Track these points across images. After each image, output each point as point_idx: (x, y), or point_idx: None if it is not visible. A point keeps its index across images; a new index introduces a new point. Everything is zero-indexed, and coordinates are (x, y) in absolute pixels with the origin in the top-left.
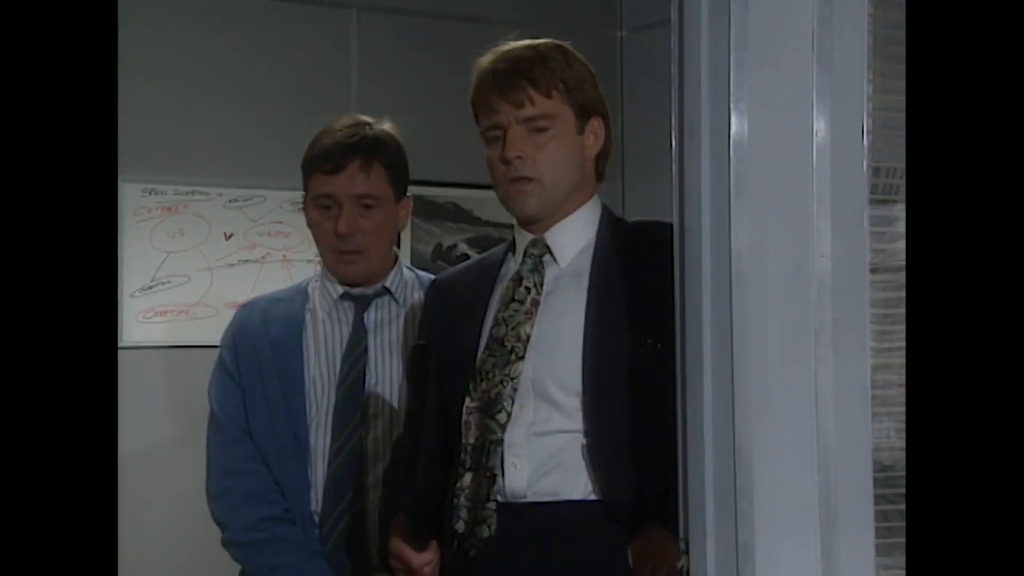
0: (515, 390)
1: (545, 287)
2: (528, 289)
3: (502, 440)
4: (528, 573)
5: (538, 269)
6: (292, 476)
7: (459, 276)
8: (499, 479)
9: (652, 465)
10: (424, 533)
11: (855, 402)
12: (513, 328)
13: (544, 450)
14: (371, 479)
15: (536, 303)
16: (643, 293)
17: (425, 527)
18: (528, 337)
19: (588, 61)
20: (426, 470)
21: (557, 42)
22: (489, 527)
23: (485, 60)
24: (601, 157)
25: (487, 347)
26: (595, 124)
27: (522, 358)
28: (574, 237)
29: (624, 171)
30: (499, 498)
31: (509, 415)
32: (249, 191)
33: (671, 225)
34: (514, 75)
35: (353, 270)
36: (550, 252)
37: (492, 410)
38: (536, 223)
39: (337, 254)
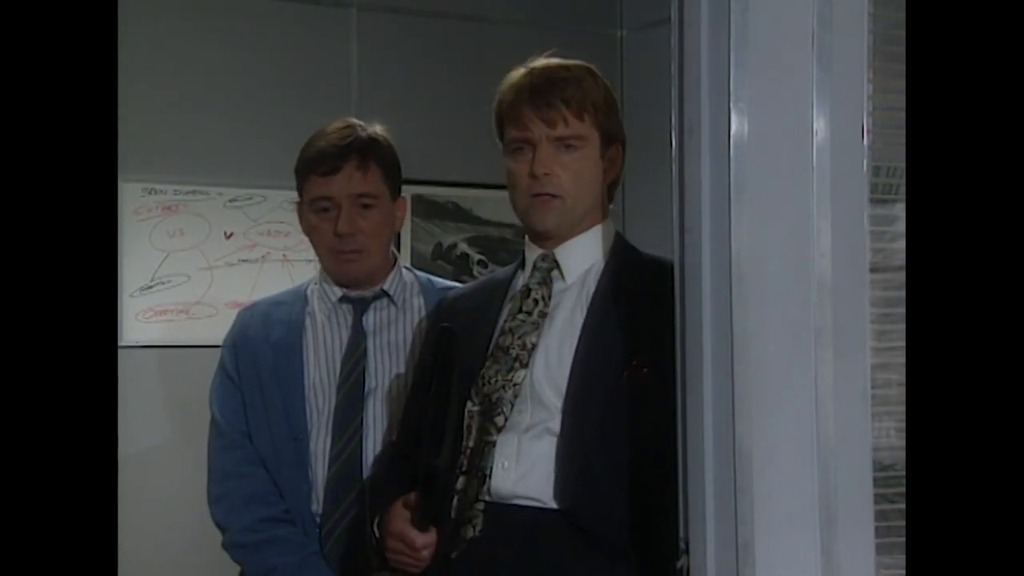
0: (516, 396)
1: (552, 300)
2: (536, 301)
3: (495, 442)
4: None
5: (546, 283)
6: (291, 478)
7: (468, 293)
8: (488, 480)
9: (622, 484)
10: (429, 515)
11: (855, 402)
12: (519, 338)
13: (535, 453)
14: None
15: (544, 315)
16: (638, 318)
17: (433, 509)
18: (533, 346)
19: (588, 61)
20: (450, 443)
21: (587, 65)
22: (474, 528)
23: (518, 74)
24: (613, 184)
25: (492, 355)
26: (615, 151)
27: (525, 366)
28: (582, 256)
29: (624, 171)
30: (487, 498)
31: (507, 419)
32: (249, 191)
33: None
34: (550, 93)
35: (353, 268)
36: (558, 267)
37: (491, 413)
38: (550, 239)
39: (336, 254)
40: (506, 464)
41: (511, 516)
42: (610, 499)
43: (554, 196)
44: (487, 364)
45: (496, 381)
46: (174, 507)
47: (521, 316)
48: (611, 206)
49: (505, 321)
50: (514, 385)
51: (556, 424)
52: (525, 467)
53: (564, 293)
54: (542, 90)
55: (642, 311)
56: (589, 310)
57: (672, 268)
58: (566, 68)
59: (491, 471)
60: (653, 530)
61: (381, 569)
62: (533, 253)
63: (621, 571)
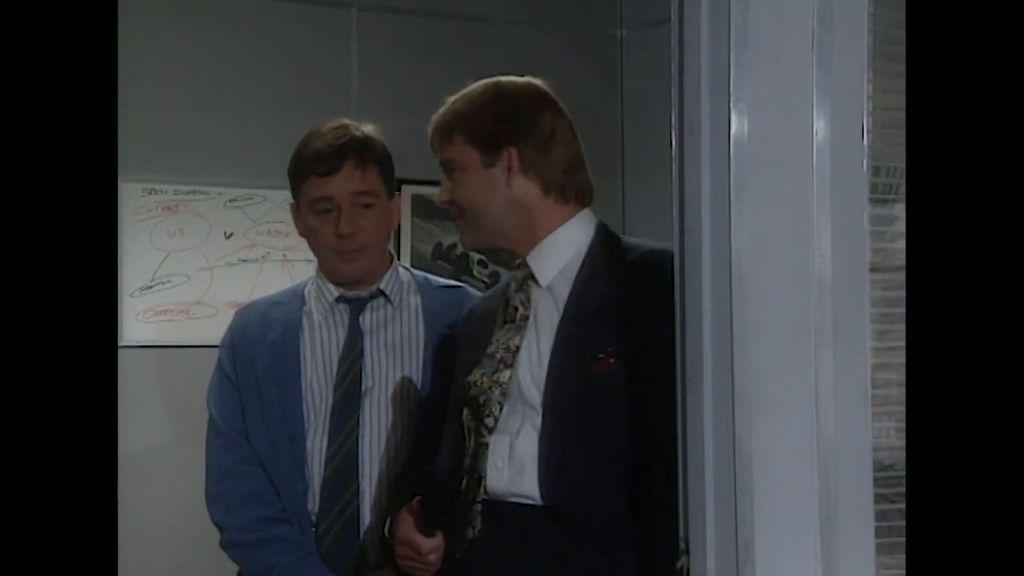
0: (504, 395)
1: (532, 304)
2: (516, 308)
3: (488, 443)
4: (510, 573)
5: (523, 289)
6: (288, 477)
7: (482, 301)
8: (484, 480)
9: (602, 478)
10: (432, 519)
11: (855, 402)
12: (504, 342)
13: (524, 452)
14: (368, 480)
15: (525, 318)
16: (609, 310)
17: (436, 514)
18: (517, 348)
19: (588, 61)
20: (447, 450)
21: (485, 82)
22: (473, 528)
23: None
24: (553, 179)
25: (480, 362)
26: (507, 155)
27: (510, 366)
28: (555, 257)
29: (624, 171)
30: (484, 499)
31: (496, 420)
32: (249, 191)
33: (665, 251)
34: (437, 127)
35: (355, 268)
36: (531, 273)
37: (482, 415)
38: (518, 247)
39: (338, 255)
40: (499, 464)
41: (506, 515)
42: (591, 493)
43: (459, 217)
44: (474, 370)
45: (483, 383)
46: (174, 507)
47: (507, 325)
48: (585, 199)
49: (494, 333)
50: (500, 385)
51: (539, 421)
52: (517, 466)
53: (541, 296)
54: (436, 124)
55: (613, 302)
56: (565, 308)
57: (653, 254)
58: (462, 97)
59: (486, 472)
60: (639, 523)
61: (378, 568)
62: (514, 260)
63: (611, 565)
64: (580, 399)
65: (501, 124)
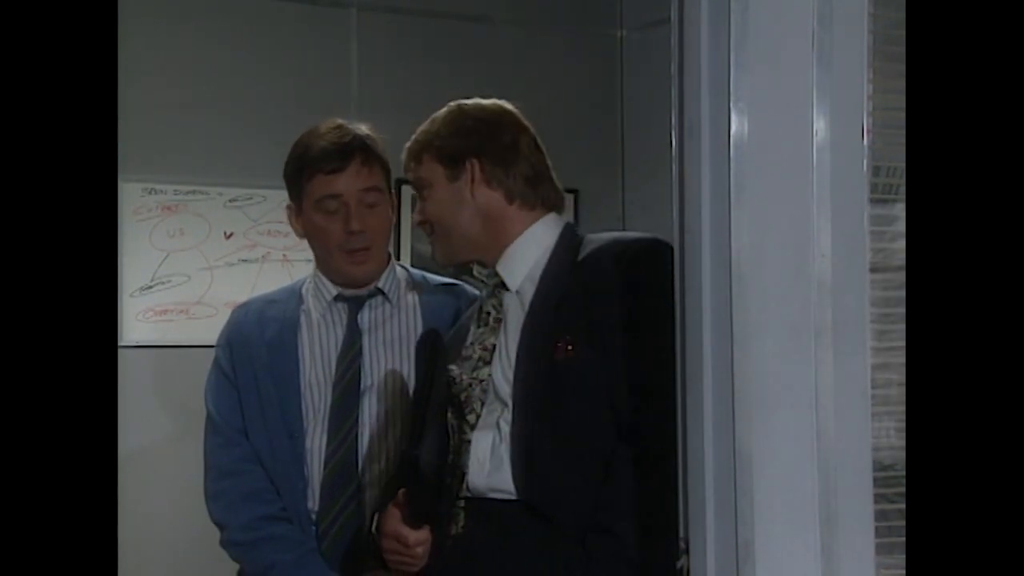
0: (484, 392)
1: (503, 308)
2: (489, 313)
3: (471, 440)
4: (496, 569)
5: (495, 295)
6: (287, 476)
7: (465, 315)
8: (467, 477)
9: (570, 468)
10: (418, 512)
11: (855, 402)
12: (481, 342)
13: (503, 447)
14: (367, 478)
15: (499, 320)
16: (569, 303)
17: (422, 506)
18: (493, 347)
19: (588, 61)
20: (433, 446)
21: (451, 104)
22: (457, 524)
23: None
24: (517, 189)
25: (458, 364)
26: (469, 166)
27: (488, 363)
28: (520, 261)
29: (624, 171)
30: (467, 495)
31: (478, 416)
32: (249, 191)
33: (619, 240)
34: (408, 150)
35: (363, 271)
36: (501, 280)
37: (464, 412)
38: (486, 255)
39: (347, 255)
40: (480, 460)
41: (487, 510)
42: (561, 482)
43: (431, 233)
44: (453, 368)
45: (463, 380)
46: (174, 507)
47: (482, 328)
48: (562, 188)
49: (473, 332)
50: (480, 382)
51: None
52: (496, 461)
53: (511, 300)
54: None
55: (574, 295)
56: (530, 306)
57: (615, 243)
58: (427, 123)
59: (468, 468)
60: (610, 510)
61: (378, 567)
62: (483, 272)
63: (585, 554)
64: (545, 389)
65: (463, 139)
